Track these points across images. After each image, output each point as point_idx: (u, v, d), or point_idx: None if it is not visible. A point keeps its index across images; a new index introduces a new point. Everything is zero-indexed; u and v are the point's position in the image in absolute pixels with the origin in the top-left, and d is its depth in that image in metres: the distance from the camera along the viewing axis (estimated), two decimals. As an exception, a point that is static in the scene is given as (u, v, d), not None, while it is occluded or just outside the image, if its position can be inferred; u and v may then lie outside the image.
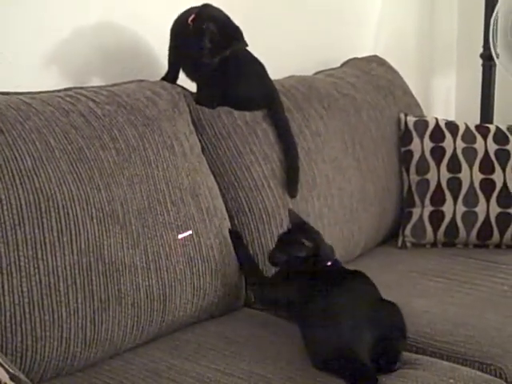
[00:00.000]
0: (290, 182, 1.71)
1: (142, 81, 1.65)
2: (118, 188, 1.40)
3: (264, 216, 1.66)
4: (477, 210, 2.00)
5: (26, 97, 1.41)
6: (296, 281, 1.43)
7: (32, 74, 1.60)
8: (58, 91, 1.50)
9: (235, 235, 1.59)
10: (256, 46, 1.75)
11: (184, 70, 1.72)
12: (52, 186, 1.30)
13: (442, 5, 2.77)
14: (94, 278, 1.31)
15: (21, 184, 1.27)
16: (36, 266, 1.25)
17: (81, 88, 1.54)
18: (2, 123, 1.30)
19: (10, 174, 1.26)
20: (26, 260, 1.24)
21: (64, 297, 1.27)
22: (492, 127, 2.10)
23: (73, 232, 1.30)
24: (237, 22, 1.71)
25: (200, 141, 1.65)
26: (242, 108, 1.72)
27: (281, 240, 1.49)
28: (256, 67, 1.76)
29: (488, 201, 1.99)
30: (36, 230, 1.26)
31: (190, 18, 1.62)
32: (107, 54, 1.76)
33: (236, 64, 1.68)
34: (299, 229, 1.48)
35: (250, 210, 1.66)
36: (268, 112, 1.76)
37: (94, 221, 1.34)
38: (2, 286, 1.21)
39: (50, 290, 1.25)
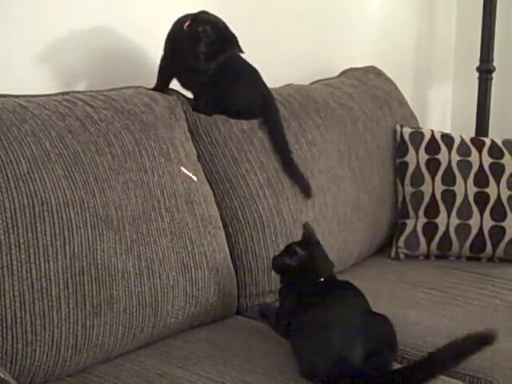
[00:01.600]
0: (302, 184, 1.74)
1: (139, 86, 1.65)
2: (113, 193, 1.40)
3: (258, 224, 1.67)
4: (470, 222, 2.00)
5: (22, 100, 1.41)
6: (288, 294, 1.44)
7: (27, 76, 1.60)
8: (55, 95, 1.50)
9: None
10: (254, 55, 1.75)
11: (179, 79, 1.71)
12: (47, 190, 1.30)
13: (440, 18, 2.78)
14: (86, 282, 1.31)
15: (15, 188, 1.27)
16: (28, 269, 1.24)
17: (78, 92, 1.54)
18: (-3, 126, 1.30)
19: (5, 178, 1.26)
20: (19, 264, 1.23)
21: (56, 301, 1.26)
22: (487, 140, 2.11)
23: (66, 236, 1.30)
24: (235, 30, 1.71)
25: (196, 148, 1.65)
26: (239, 117, 1.72)
27: (285, 247, 1.50)
28: (252, 75, 1.76)
29: (482, 214, 2.00)
30: (29, 234, 1.26)
31: (186, 24, 1.62)
32: (103, 60, 1.75)
33: (232, 73, 1.69)
34: (303, 240, 1.49)
35: (244, 219, 1.66)
36: (264, 120, 1.76)
37: (88, 225, 1.34)
38: (-6, 290, 1.21)
39: (41, 295, 1.25)
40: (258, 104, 1.76)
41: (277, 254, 1.52)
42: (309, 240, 1.49)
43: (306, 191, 1.75)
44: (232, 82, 1.70)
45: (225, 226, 1.64)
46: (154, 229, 1.44)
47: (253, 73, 1.76)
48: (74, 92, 1.53)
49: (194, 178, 1.52)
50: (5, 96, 1.41)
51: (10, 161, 1.28)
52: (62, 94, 1.52)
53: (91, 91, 1.56)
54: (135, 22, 1.78)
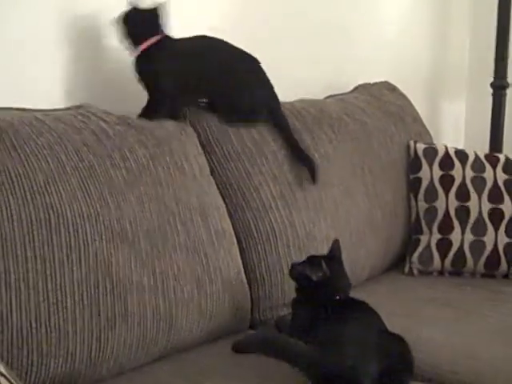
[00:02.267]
0: (310, 167, 1.75)
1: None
2: (128, 206, 1.40)
3: (271, 237, 1.67)
4: (485, 239, 1.99)
5: (39, 113, 1.43)
6: (302, 308, 1.43)
7: (43, 89, 1.60)
8: (70, 109, 1.52)
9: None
10: (268, 70, 1.76)
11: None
12: (62, 203, 1.31)
13: (454, 34, 2.79)
14: (101, 296, 1.31)
15: (32, 200, 1.28)
16: (44, 282, 1.25)
17: (92, 107, 1.54)
18: (15, 139, 1.31)
19: (22, 191, 1.27)
20: (35, 276, 1.24)
21: (71, 314, 1.27)
22: (501, 157, 2.10)
23: (82, 249, 1.31)
24: (249, 46, 1.73)
25: (209, 162, 1.66)
26: (247, 120, 1.72)
27: (308, 258, 1.50)
28: (250, 73, 1.74)
29: (496, 230, 1.99)
30: (45, 247, 1.27)
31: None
32: (117, 76, 1.77)
33: (231, 75, 1.69)
34: (328, 257, 1.48)
35: (257, 232, 1.66)
36: (269, 116, 1.75)
37: (103, 238, 1.34)
38: (10, 302, 1.21)
39: (57, 307, 1.25)
40: (262, 104, 1.75)
41: (297, 261, 1.51)
42: (334, 256, 1.49)
43: (313, 175, 1.75)
44: (232, 84, 1.69)
45: (238, 239, 1.64)
46: (168, 243, 1.45)
47: (251, 70, 1.74)
48: (88, 106, 1.54)
49: None
50: (22, 109, 1.43)
51: (27, 174, 1.29)
52: (77, 107, 1.53)
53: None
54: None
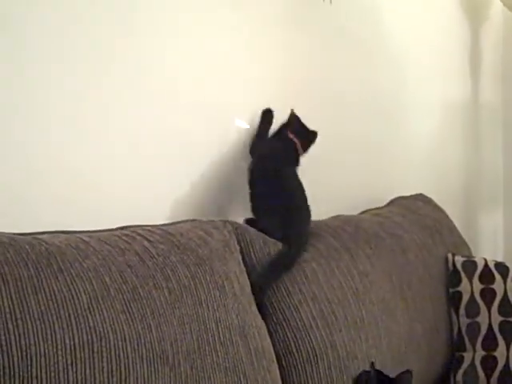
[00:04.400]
0: None
1: (194, 220, 1.70)
2: (169, 328, 1.41)
3: (312, 357, 1.65)
4: (531, 355, 1.93)
5: (84, 235, 1.46)
6: None
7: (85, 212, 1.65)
8: (115, 229, 1.56)
9: None
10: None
11: None
12: (105, 326, 1.32)
13: (487, 143, 2.83)
14: (140, 423, 1.29)
15: (76, 324, 1.29)
16: (84, 409, 1.24)
17: (136, 226, 1.59)
18: (61, 262, 1.34)
19: (67, 314, 1.29)
20: (76, 403, 1.24)
21: None
22: (543, 270, 2.07)
23: (123, 373, 1.30)
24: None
25: (250, 280, 1.67)
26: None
27: (376, 371, 1.46)
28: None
29: (542, 347, 1.94)
30: (87, 371, 1.27)
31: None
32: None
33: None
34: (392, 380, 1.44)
35: (297, 351, 1.64)
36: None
37: (144, 361, 1.34)
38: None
39: None
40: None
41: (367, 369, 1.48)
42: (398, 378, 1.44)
43: None
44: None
45: (278, 358, 1.62)
46: (208, 364, 1.44)
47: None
48: (132, 226, 1.59)
49: (247, 126, 1.59)
50: (68, 232, 1.48)
51: (72, 297, 1.31)
52: (122, 228, 1.57)
53: (148, 225, 1.61)
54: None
